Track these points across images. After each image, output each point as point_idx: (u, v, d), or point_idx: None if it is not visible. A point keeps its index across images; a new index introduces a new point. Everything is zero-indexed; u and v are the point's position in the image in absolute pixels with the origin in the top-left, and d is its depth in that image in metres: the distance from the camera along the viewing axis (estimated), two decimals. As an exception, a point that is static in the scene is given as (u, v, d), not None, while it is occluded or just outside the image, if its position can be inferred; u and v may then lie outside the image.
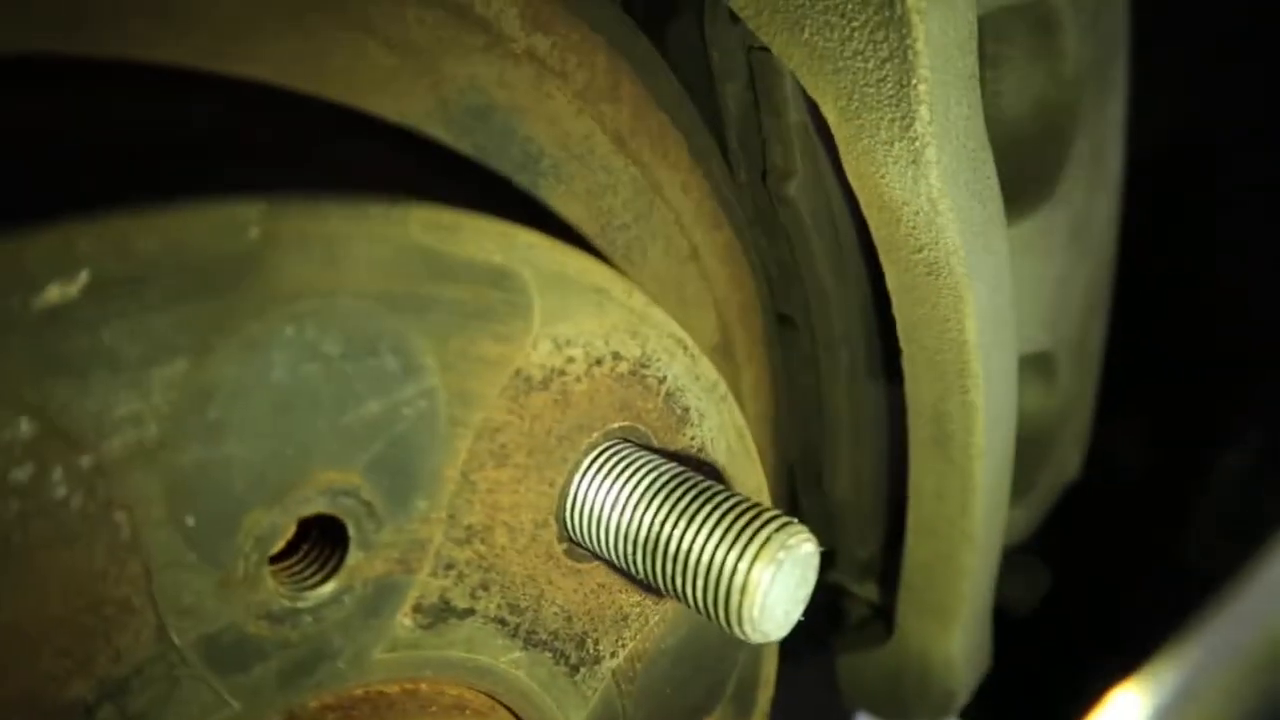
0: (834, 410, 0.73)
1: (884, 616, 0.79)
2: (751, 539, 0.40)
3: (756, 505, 0.42)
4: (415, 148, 0.49)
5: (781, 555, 0.40)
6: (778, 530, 0.41)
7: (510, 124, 0.52)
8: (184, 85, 0.40)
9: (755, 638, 0.41)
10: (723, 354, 0.69)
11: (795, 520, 0.42)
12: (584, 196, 0.57)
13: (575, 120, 0.54)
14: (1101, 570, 1.26)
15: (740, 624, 0.40)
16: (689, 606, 0.43)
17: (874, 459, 0.75)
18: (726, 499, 0.42)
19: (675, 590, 0.43)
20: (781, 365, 0.74)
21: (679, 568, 0.42)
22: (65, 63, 0.37)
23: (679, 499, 0.43)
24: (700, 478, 0.44)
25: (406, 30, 0.46)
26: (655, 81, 0.57)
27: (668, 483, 0.44)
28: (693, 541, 0.42)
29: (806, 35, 0.47)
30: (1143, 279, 0.93)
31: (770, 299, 0.71)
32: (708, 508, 0.42)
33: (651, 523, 0.43)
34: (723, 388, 0.53)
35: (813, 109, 0.58)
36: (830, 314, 0.67)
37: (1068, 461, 0.88)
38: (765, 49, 0.56)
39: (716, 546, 0.41)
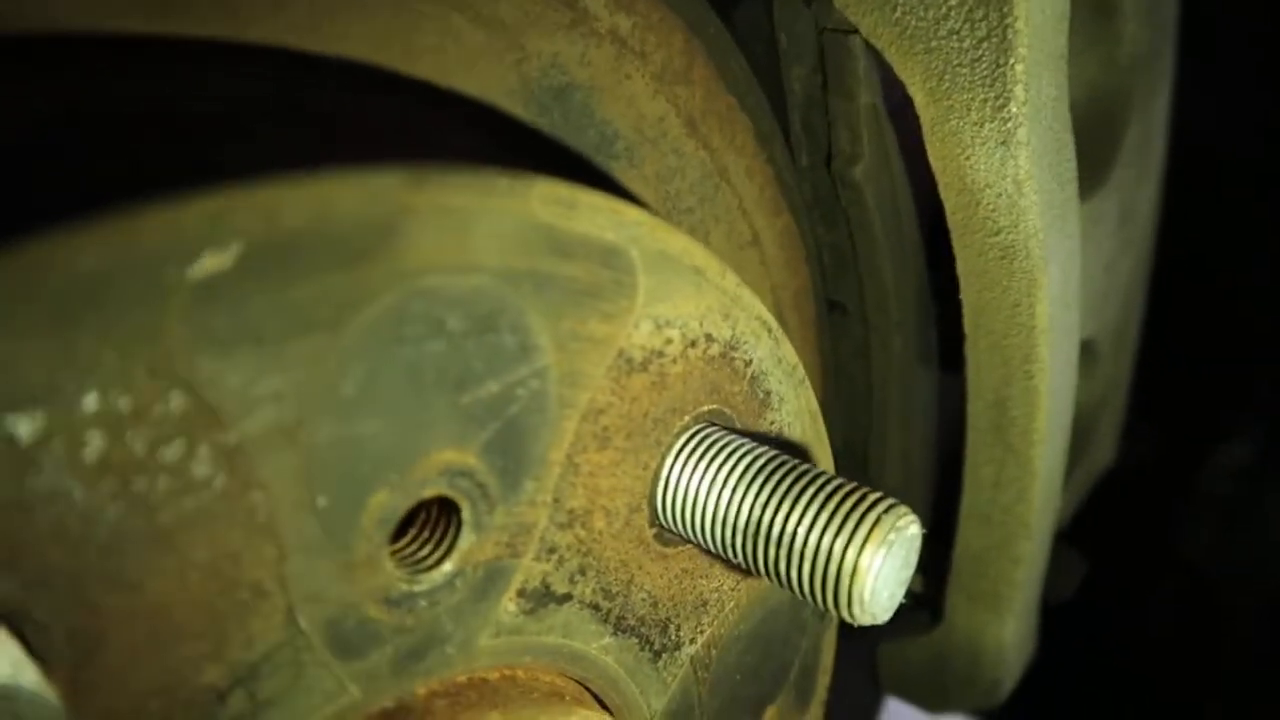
0: (884, 398, 0.72)
1: (927, 604, 0.79)
2: (860, 522, 0.40)
3: (861, 488, 0.42)
4: (497, 127, 0.48)
5: (891, 537, 0.40)
6: (886, 512, 0.40)
7: (589, 104, 0.51)
8: (280, 62, 0.39)
9: (863, 620, 0.40)
10: (777, 340, 0.68)
11: (900, 502, 0.41)
12: (653, 180, 0.57)
13: (651, 102, 0.54)
14: (1102, 562, 1.27)
15: (849, 607, 0.40)
16: (791, 590, 0.42)
17: (923, 447, 0.75)
18: (829, 482, 0.42)
19: (776, 574, 0.42)
20: (831, 352, 0.74)
21: (782, 552, 0.41)
22: (167, 42, 0.36)
23: (779, 482, 0.42)
24: (797, 461, 0.44)
25: (496, 6, 0.45)
26: (726, 64, 0.57)
27: (765, 466, 0.43)
28: (797, 525, 0.41)
29: (898, 15, 0.46)
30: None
31: (822, 285, 0.71)
32: (810, 491, 0.42)
33: (752, 506, 0.42)
34: (801, 372, 0.52)
35: (884, 92, 0.58)
36: (887, 300, 0.67)
37: (1104, 449, 0.89)
38: (838, 30, 0.55)
39: (823, 530, 0.40)
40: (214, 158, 0.31)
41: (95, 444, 0.25)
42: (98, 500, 0.26)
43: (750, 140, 0.60)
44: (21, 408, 0.24)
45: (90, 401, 0.25)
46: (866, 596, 0.40)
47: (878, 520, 0.40)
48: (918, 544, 0.42)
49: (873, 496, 0.41)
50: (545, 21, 0.47)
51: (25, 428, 0.24)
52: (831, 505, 0.41)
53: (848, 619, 0.41)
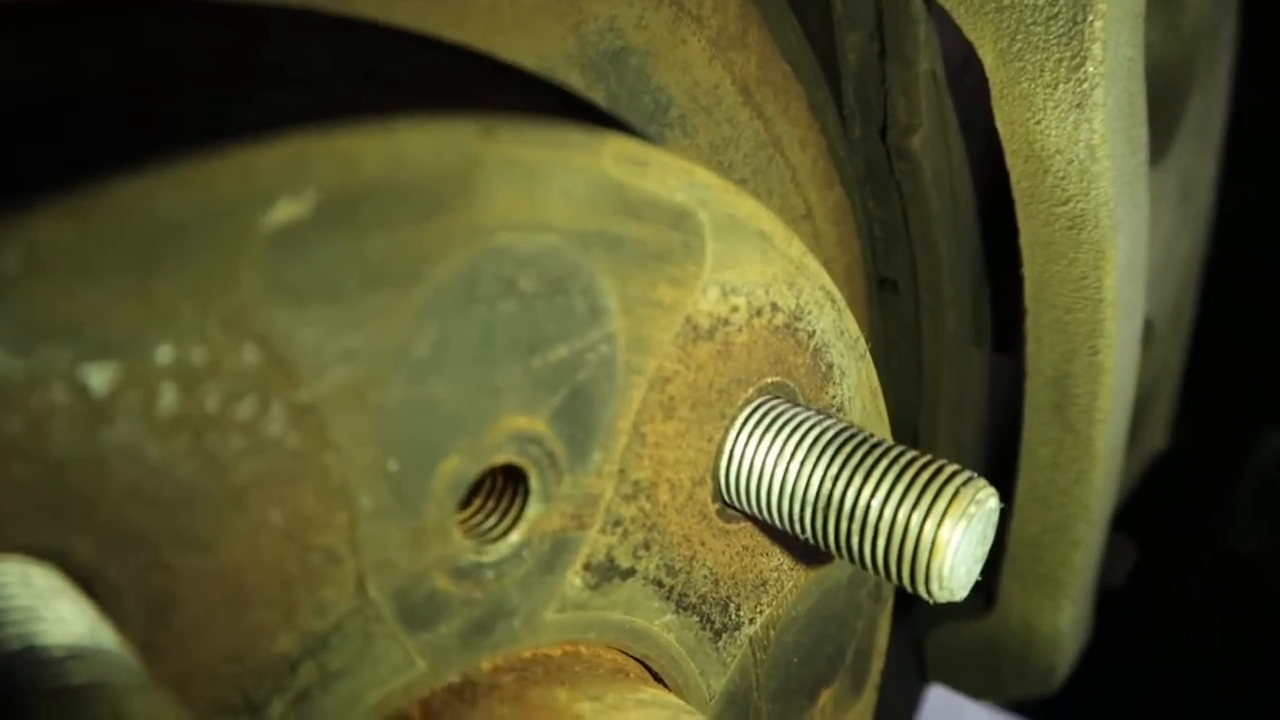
0: (936, 377, 0.71)
1: (979, 589, 0.77)
2: (938, 495, 0.39)
3: (936, 461, 0.40)
4: (551, 89, 0.47)
5: (971, 510, 0.38)
6: (964, 485, 0.39)
7: (644, 70, 0.50)
8: (337, 18, 0.38)
9: (941, 596, 0.39)
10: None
11: (977, 475, 0.40)
12: (707, 150, 0.55)
13: (706, 69, 0.52)
14: (1146, 549, 1.25)
15: (928, 582, 0.39)
16: (863, 566, 0.41)
17: (974, 428, 0.73)
18: (903, 454, 0.40)
19: (849, 549, 0.41)
20: (881, 330, 0.72)
21: (855, 526, 0.40)
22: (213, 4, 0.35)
23: (851, 455, 0.41)
24: (868, 433, 0.42)
25: (554, -36, 0.44)
26: (782, 29, 0.55)
27: (835, 439, 0.42)
28: (871, 499, 0.40)
29: (969, -28, 0.44)
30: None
31: (873, 261, 0.69)
32: (885, 464, 0.40)
33: (823, 480, 0.41)
34: (863, 345, 0.51)
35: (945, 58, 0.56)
36: (941, 276, 0.65)
37: (1157, 432, 0.87)
38: (899, -5, 0.53)
39: (899, 504, 0.39)
40: (280, 108, 0.30)
41: (169, 398, 0.24)
42: (171, 457, 0.25)
43: (804, 110, 0.59)
44: (97, 357, 0.23)
45: (165, 353, 0.24)
46: (946, 572, 0.38)
47: (956, 493, 0.38)
48: (995, 518, 0.41)
49: (950, 469, 0.40)
50: (603, -18, 0.46)
51: (100, 378, 0.23)
52: (908, 478, 0.39)
53: (924, 595, 0.39)
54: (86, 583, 0.24)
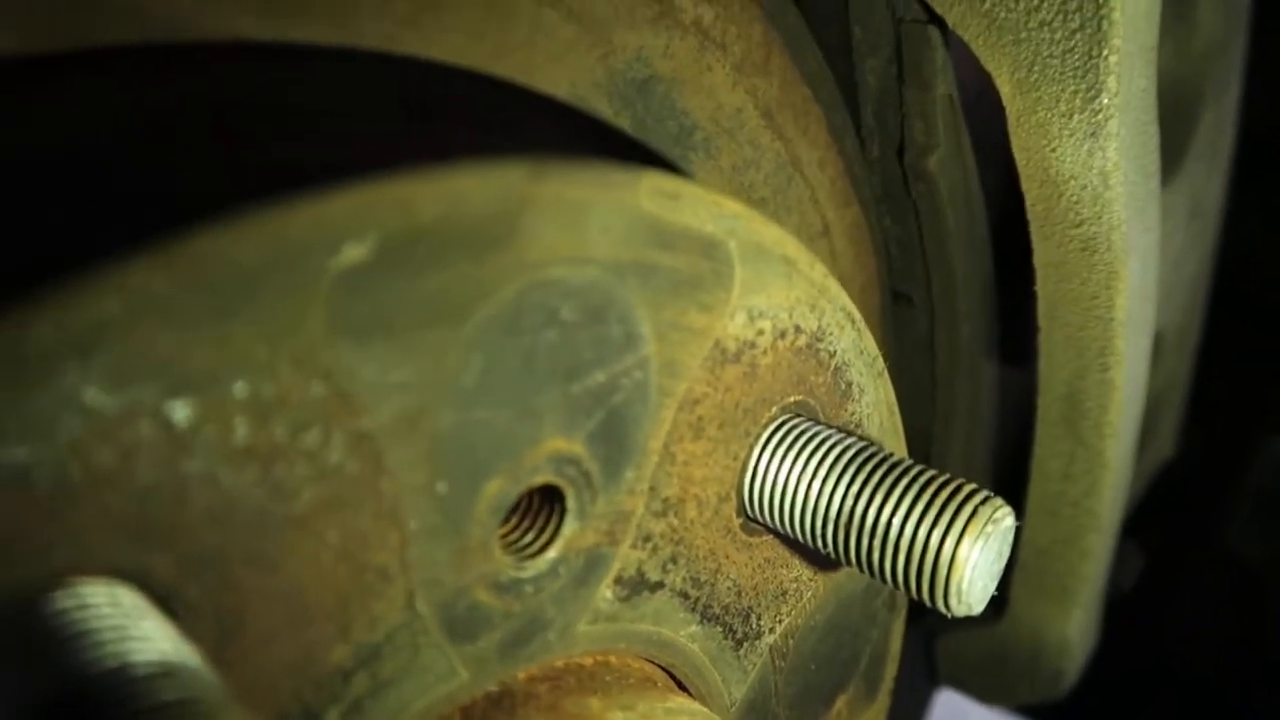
0: (949, 391, 0.72)
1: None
2: (957, 513, 0.40)
3: (955, 480, 0.42)
4: (582, 118, 0.48)
5: (989, 529, 0.40)
6: (982, 504, 0.40)
7: (670, 96, 0.51)
8: (383, 55, 0.40)
9: (959, 611, 0.41)
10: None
11: (994, 494, 0.41)
12: (729, 172, 0.57)
13: (730, 93, 0.54)
14: (1150, 556, 1.26)
15: (946, 598, 0.40)
16: (883, 581, 0.42)
17: (986, 442, 0.75)
18: (923, 473, 0.42)
19: (869, 565, 0.42)
20: (894, 345, 0.74)
21: (876, 542, 0.42)
22: (264, 46, 0.37)
23: (872, 473, 0.42)
24: (888, 452, 0.44)
25: (587, 1, 0.45)
26: (802, 54, 0.57)
27: (855, 457, 0.43)
28: (891, 516, 0.41)
29: (987, 6, 0.46)
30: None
31: (888, 277, 0.71)
32: (905, 481, 0.42)
33: (844, 497, 0.42)
34: (881, 364, 0.52)
35: (959, 84, 0.58)
36: (955, 292, 0.67)
37: (1164, 442, 0.88)
38: (917, 21, 0.55)
39: (919, 522, 0.41)
40: (332, 153, 0.32)
41: (242, 430, 0.26)
42: (243, 484, 0.27)
43: (823, 132, 0.60)
44: (179, 394, 0.25)
45: (240, 389, 0.26)
46: (964, 587, 0.40)
47: (975, 512, 0.40)
48: (1011, 536, 0.42)
49: (968, 488, 0.41)
50: (633, 15, 0.48)
51: (182, 413, 0.25)
52: (927, 496, 0.41)
53: (942, 609, 0.41)
54: (165, 602, 0.26)
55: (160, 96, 0.32)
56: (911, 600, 0.64)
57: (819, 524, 0.43)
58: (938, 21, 0.54)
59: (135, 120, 0.31)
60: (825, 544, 0.43)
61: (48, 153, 0.29)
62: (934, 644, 0.82)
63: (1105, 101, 0.45)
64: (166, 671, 0.22)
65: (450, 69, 0.42)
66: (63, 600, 0.23)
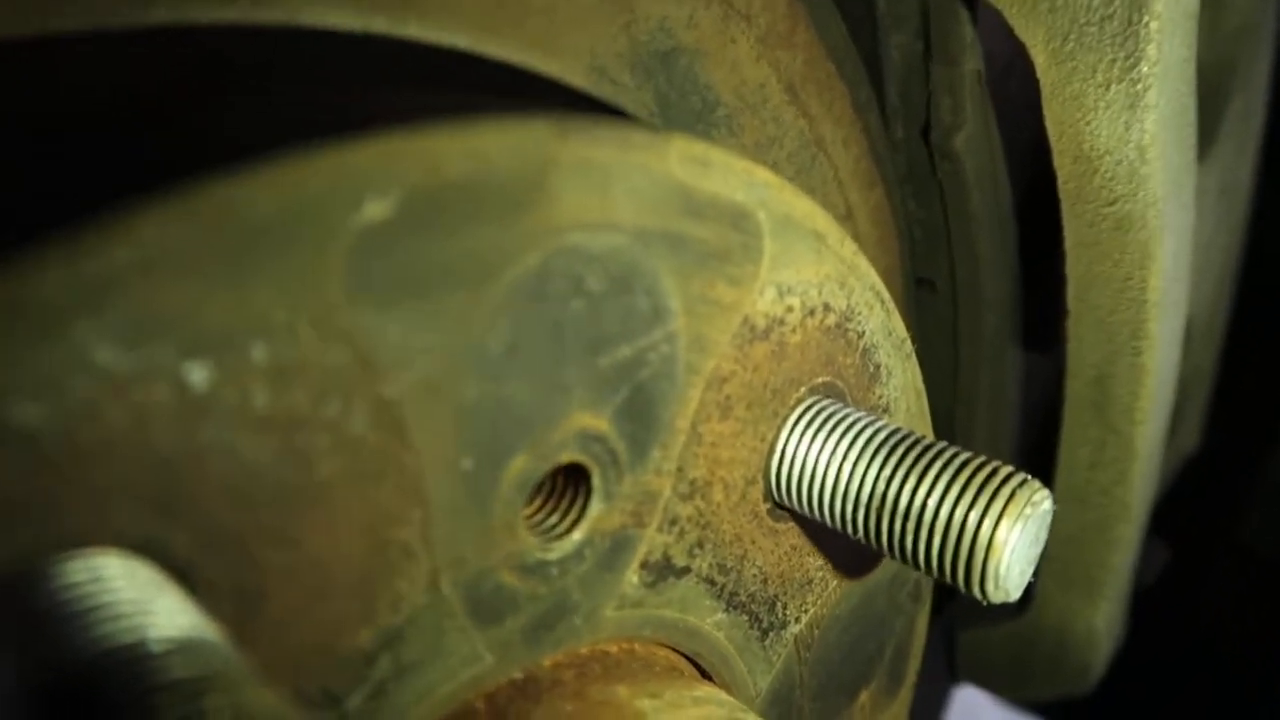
0: (973, 377, 0.71)
1: (1011, 590, 0.77)
2: (994, 496, 0.39)
3: (992, 462, 0.40)
4: (604, 89, 0.47)
5: (1028, 512, 0.38)
6: (1020, 486, 0.39)
7: (693, 69, 0.50)
8: (401, 15, 0.38)
9: (996, 597, 0.39)
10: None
11: (1032, 477, 0.40)
12: (752, 149, 0.55)
13: (754, 67, 0.52)
14: (1169, 549, 1.24)
15: (983, 582, 0.39)
16: (916, 566, 0.41)
17: (1010, 428, 0.73)
18: (957, 455, 0.41)
19: (902, 549, 0.41)
20: (917, 330, 0.72)
21: (911, 526, 0.40)
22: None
23: (905, 456, 0.41)
24: (921, 435, 0.42)
25: (610, -35, 0.44)
26: (827, 29, 0.55)
27: (888, 439, 0.42)
28: (926, 499, 0.40)
29: (1022, -27, 0.44)
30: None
31: (911, 262, 0.69)
32: (940, 464, 0.40)
33: (877, 480, 0.41)
34: (909, 346, 0.51)
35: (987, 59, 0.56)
36: (980, 276, 0.65)
37: (1190, 432, 0.86)
38: (945, -5, 0.53)
39: (955, 504, 0.39)
40: (357, 107, 0.30)
41: (262, 396, 0.25)
42: (263, 454, 0.25)
43: (848, 109, 0.59)
44: (196, 355, 0.23)
45: (259, 352, 0.24)
46: (1002, 572, 0.38)
47: (1013, 494, 0.39)
48: (1049, 519, 0.41)
49: (1005, 470, 0.40)
50: (656, -18, 0.46)
51: (199, 375, 0.23)
52: (963, 479, 0.39)
53: (978, 596, 0.39)
54: (182, 576, 0.24)
55: (171, 52, 0.30)
56: (935, 592, 0.62)
57: (851, 508, 0.42)
58: (969, -6, 0.52)
59: (143, 77, 0.29)
60: (857, 529, 0.42)
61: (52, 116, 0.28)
62: (955, 638, 0.80)
63: (1145, 70, 0.44)
64: (184, 647, 0.21)
65: (474, 30, 0.41)
66: (76, 572, 0.21)
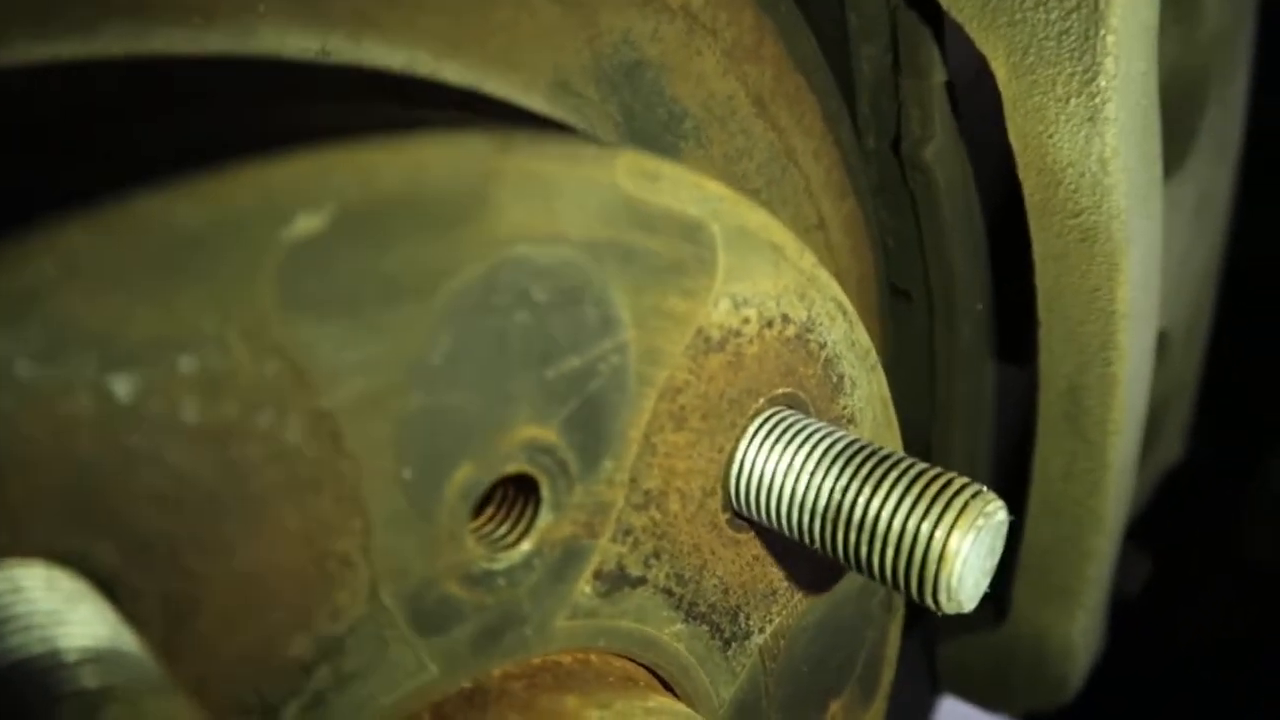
0: (949, 388, 0.71)
1: (990, 601, 0.77)
2: (947, 506, 0.39)
3: (945, 473, 0.40)
4: (567, 103, 0.47)
5: (980, 523, 0.39)
6: (974, 497, 0.39)
7: (659, 83, 0.50)
8: (359, 32, 0.39)
9: (949, 608, 0.39)
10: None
11: (986, 488, 0.40)
12: (720, 161, 0.56)
13: (721, 80, 0.53)
14: (1162, 560, 1.24)
15: (935, 594, 0.39)
16: (871, 577, 0.41)
17: (987, 438, 0.73)
18: (912, 466, 0.41)
19: (857, 560, 0.41)
20: (894, 340, 0.72)
21: (865, 536, 0.40)
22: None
23: (861, 466, 0.41)
24: (877, 445, 0.42)
25: (571, -20, 0.44)
26: (795, 42, 0.56)
27: (844, 450, 0.42)
28: (880, 509, 0.40)
29: (982, -13, 0.45)
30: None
31: (885, 272, 0.69)
32: (894, 475, 0.40)
33: (832, 490, 0.41)
34: (874, 356, 0.51)
35: (954, 72, 0.56)
36: (954, 286, 0.66)
37: (1171, 444, 0.86)
38: (912, 7, 0.54)
39: (908, 514, 0.39)
40: (296, 122, 0.31)
41: (191, 406, 0.25)
42: (192, 464, 0.25)
43: (818, 121, 0.59)
44: (122, 366, 0.23)
45: (186, 363, 0.25)
46: (954, 583, 0.38)
47: (966, 505, 0.39)
48: (1004, 531, 0.41)
49: (959, 481, 0.40)
50: (619, -3, 0.47)
51: (124, 387, 0.24)
52: (917, 489, 0.40)
53: (932, 606, 0.40)
54: (108, 587, 0.25)
55: (107, 68, 0.31)
56: (909, 602, 0.62)
57: (806, 518, 0.42)
58: (933, 8, 0.53)
59: (80, 92, 0.30)
60: (813, 539, 0.42)
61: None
62: (934, 650, 0.80)
63: (1103, 84, 0.44)
64: (98, 657, 0.21)
65: (429, 47, 0.41)
66: (-7, 582, 0.22)
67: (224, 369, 0.25)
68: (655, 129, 0.51)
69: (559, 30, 0.45)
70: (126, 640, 0.23)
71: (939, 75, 0.56)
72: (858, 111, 0.62)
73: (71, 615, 0.22)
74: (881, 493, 0.40)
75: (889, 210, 0.66)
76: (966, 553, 0.38)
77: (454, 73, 0.43)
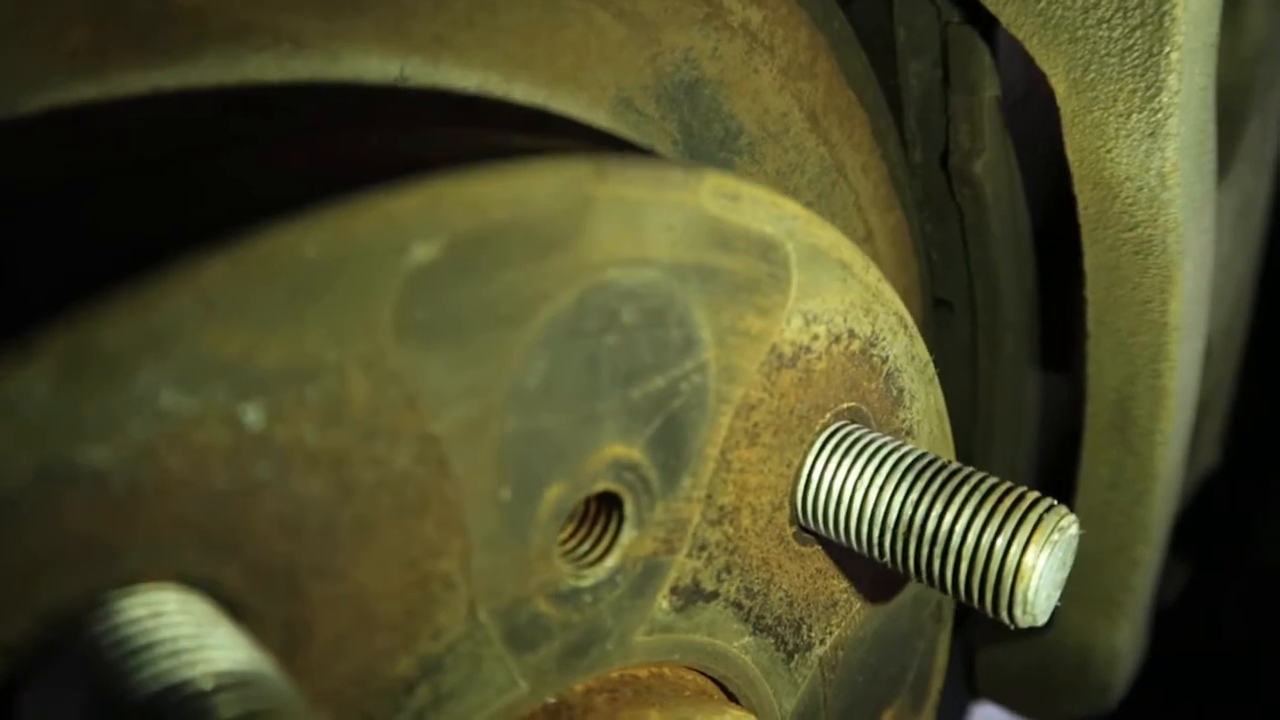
0: (991, 399, 0.71)
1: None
2: (1022, 521, 0.39)
3: (1018, 487, 0.41)
4: (629, 119, 0.48)
5: (1055, 537, 0.39)
6: (1047, 512, 0.39)
7: (717, 99, 0.51)
8: (437, 54, 0.39)
9: (1024, 622, 0.40)
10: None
11: (1058, 502, 0.40)
12: (774, 176, 0.56)
13: (776, 97, 0.53)
14: (1182, 565, 1.24)
15: (1011, 608, 0.39)
16: (944, 590, 0.41)
17: (1029, 451, 0.73)
18: (984, 480, 0.41)
19: (929, 574, 0.41)
20: (935, 351, 0.72)
21: (938, 551, 0.41)
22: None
23: (932, 481, 0.41)
24: (946, 459, 0.43)
25: (638, 1, 0.45)
26: (848, 58, 0.56)
27: (914, 464, 0.42)
28: (954, 524, 0.40)
29: (1043, 4, 0.45)
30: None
31: (929, 283, 0.70)
32: (967, 489, 0.41)
33: (903, 505, 0.42)
34: (931, 370, 0.51)
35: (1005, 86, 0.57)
36: (999, 298, 0.66)
37: (1208, 450, 0.87)
38: (964, 24, 0.54)
39: (983, 529, 0.40)
40: (399, 149, 0.31)
41: (312, 434, 0.26)
42: (312, 490, 0.26)
43: (867, 136, 0.60)
44: (251, 396, 0.24)
45: (311, 392, 0.25)
46: (1030, 597, 0.39)
47: (1040, 519, 0.39)
48: (1075, 544, 0.41)
49: (1032, 496, 0.40)
50: (682, 15, 0.47)
51: (254, 416, 0.24)
52: (990, 504, 0.40)
53: (1006, 620, 0.40)
54: (233, 610, 0.25)
55: (219, 102, 0.31)
56: (955, 608, 0.63)
57: (877, 533, 0.42)
58: (985, 23, 0.53)
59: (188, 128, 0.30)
60: (883, 553, 0.42)
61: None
62: (975, 656, 0.80)
63: (1165, 100, 0.44)
64: (244, 681, 0.22)
65: (507, 65, 0.42)
66: (136, 607, 0.22)
67: (344, 396, 0.26)
68: (711, 145, 0.52)
69: (624, 49, 0.46)
70: (264, 664, 0.23)
71: (990, 89, 0.56)
72: (905, 125, 0.62)
73: (211, 639, 0.22)
74: (955, 507, 0.40)
75: (933, 223, 0.66)
76: (1042, 567, 0.39)
77: (523, 92, 0.43)
